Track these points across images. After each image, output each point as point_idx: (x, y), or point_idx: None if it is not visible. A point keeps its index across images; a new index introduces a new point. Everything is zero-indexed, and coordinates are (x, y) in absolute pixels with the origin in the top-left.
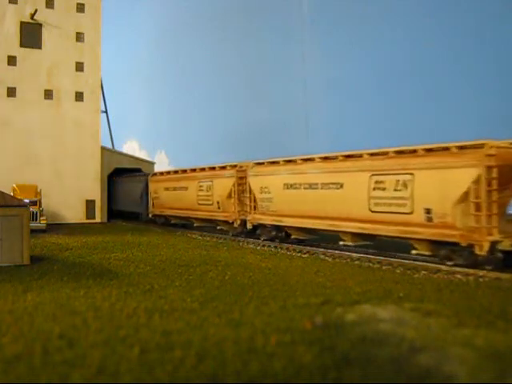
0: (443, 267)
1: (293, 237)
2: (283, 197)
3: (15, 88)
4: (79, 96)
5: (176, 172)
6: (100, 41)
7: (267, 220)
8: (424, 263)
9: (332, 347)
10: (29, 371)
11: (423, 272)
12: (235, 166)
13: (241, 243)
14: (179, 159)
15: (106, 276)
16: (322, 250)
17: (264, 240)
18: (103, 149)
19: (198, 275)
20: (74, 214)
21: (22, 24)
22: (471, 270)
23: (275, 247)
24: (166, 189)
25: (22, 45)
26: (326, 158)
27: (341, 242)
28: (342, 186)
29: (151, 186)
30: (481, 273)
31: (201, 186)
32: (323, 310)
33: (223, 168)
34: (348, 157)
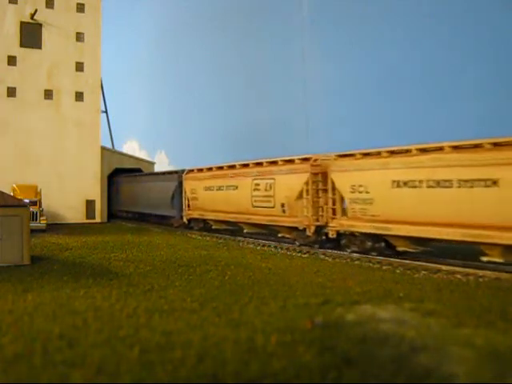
0: (443, 267)
1: (400, 249)
2: (391, 197)
3: (15, 88)
4: (79, 96)
5: (220, 168)
6: (100, 41)
7: (363, 227)
8: (424, 263)
9: (332, 347)
10: (29, 371)
11: (423, 272)
12: (308, 158)
13: (241, 243)
14: (179, 159)
15: (106, 276)
16: (321, 250)
17: (352, 252)
18: (103, 149)
19: (198, 275)
20: (74, 214)
21: (22, 24)
22: (471, 270)
23: (275, 247)
24: (208, 188)
25: (22, 45)
26: (463, 147)
27: (484, 258)
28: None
29: (187, 185)
30: (481, 273)
31: (257, 185)
32: (323, 310)
33: (290, 162)
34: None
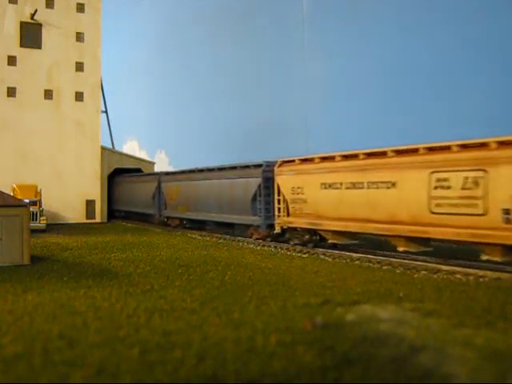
0: (443, 267)
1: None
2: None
3: (15, 88)
4: (79, 96)
5: (352, 157)
6: (100, 41)
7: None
8: (424, 263)
9: (332, 347)
10: (29, 371)
11: (423, 272)
12: None
13: (241, 243)
14: (179, 159)
15: (106, 276)
16: (321, 250)
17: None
18: (103, 149)
19: (198, 275)
20: (74, 214)
21: (22, 24)
22: (471, 270)
23: (275, 247)
24: (328, 186)
25: (22, 45)
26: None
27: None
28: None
29: (282, 182)
30: (481, 273)
31: (442, 180)
32: (323, 310)
33: None
34: None
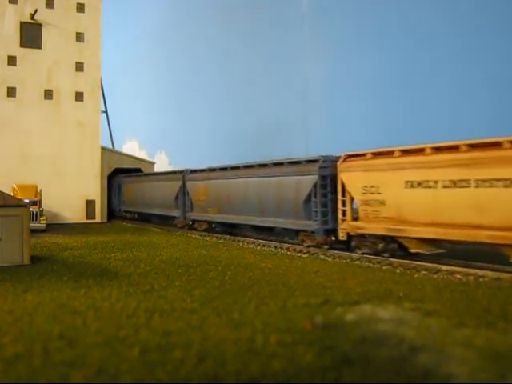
0: (443, 267)
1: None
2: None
3: (15, 88)
4: (79, 96)
5: (439, 150)
6: (100, 41)
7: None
8: (424, 263)
9: (332, 347)
10: (29, 371)
11: (423, 272)
12: None
13: (241, 243)
14: (179, 159)
15: (106, 276)
16: (321, 250)
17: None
18: (103, 149)
19: (198, 275)
20: (74, 214)
21: (22, 24)
22: (471, 270)
23: (275, 247)
24: (417, 184)
25: (22, 45)
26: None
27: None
28: None
29: (349, 180)
30: (481, 273)
31: None
32: (323, 310)
33: None
34: None
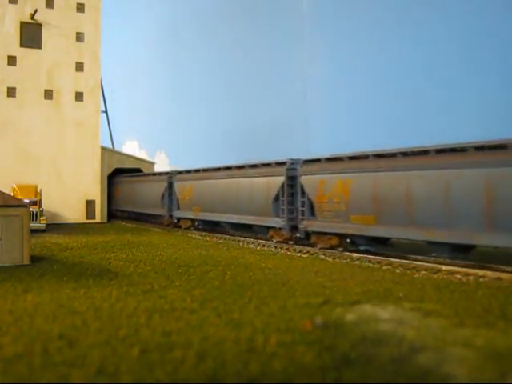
0: (443, 267)
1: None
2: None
3: (15, 88)
4: (79, 96)
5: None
6: (100, 41)
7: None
8: (424, 263)
9: (332, 347)
10: (29, 371)
11: (423, 272)
12: None
13: (241, 243)
14: (179, 159)
15: (106, 276)
16: (321, 250)
17: None
18: (103, 149)
19: (198, 275)
20: (73, 214)
21: (22, 24)
22: (471, 270)
23: (275, 247)
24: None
25: (22, 45)
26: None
27: None
28: None
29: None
30: (481, 273)
31: None
32: (323, 310)
33: None
34: None
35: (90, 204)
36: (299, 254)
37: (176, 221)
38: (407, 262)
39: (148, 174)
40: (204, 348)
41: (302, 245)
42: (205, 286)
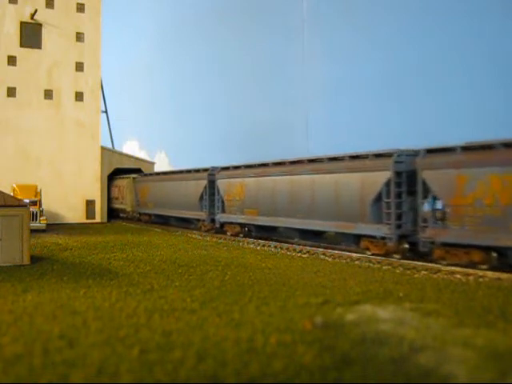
0: (443, 267)
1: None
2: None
3: (15, 88)
4: (79, 96)
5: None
6: (100, 41)
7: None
8: (424, 263)
9: (332, 347)
10: (29, 371)
11: (423, 272)
12: None
13: (240, 243)
14: (179, 159)
15: (106, 276)
16: (321, 250)
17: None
18: (103, 149)
19: (198, 275)
20: (74, 214)
21: (22, 24)
22: (471, 270)
23: (275, 247)
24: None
25: (22, 45)
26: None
27: None
28: None
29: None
30: (481, 273)
31: None
32: (323, 310)
33: None
34: None
35: (89, 204)
36: (299, 254)
37: (219, 226)
38: (407, 262)
39: (181, 171)
40: (204, 348)
41: (415, 260)
42: (205, 286)
